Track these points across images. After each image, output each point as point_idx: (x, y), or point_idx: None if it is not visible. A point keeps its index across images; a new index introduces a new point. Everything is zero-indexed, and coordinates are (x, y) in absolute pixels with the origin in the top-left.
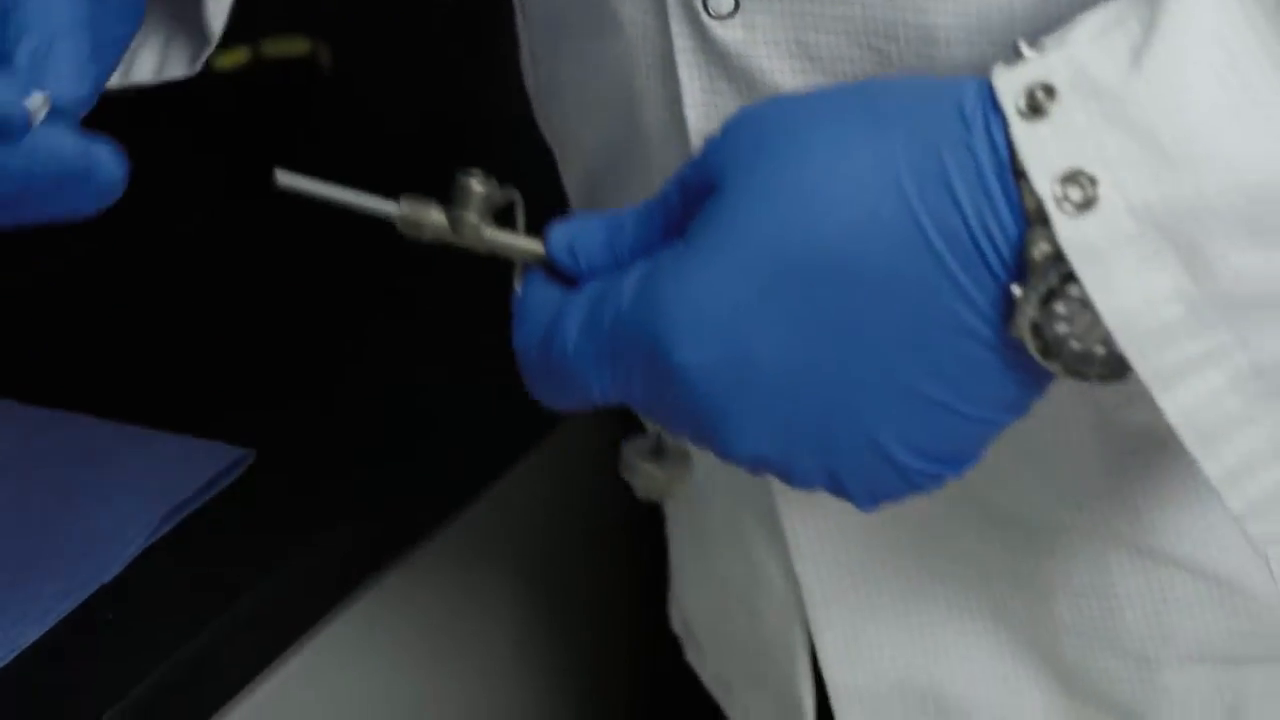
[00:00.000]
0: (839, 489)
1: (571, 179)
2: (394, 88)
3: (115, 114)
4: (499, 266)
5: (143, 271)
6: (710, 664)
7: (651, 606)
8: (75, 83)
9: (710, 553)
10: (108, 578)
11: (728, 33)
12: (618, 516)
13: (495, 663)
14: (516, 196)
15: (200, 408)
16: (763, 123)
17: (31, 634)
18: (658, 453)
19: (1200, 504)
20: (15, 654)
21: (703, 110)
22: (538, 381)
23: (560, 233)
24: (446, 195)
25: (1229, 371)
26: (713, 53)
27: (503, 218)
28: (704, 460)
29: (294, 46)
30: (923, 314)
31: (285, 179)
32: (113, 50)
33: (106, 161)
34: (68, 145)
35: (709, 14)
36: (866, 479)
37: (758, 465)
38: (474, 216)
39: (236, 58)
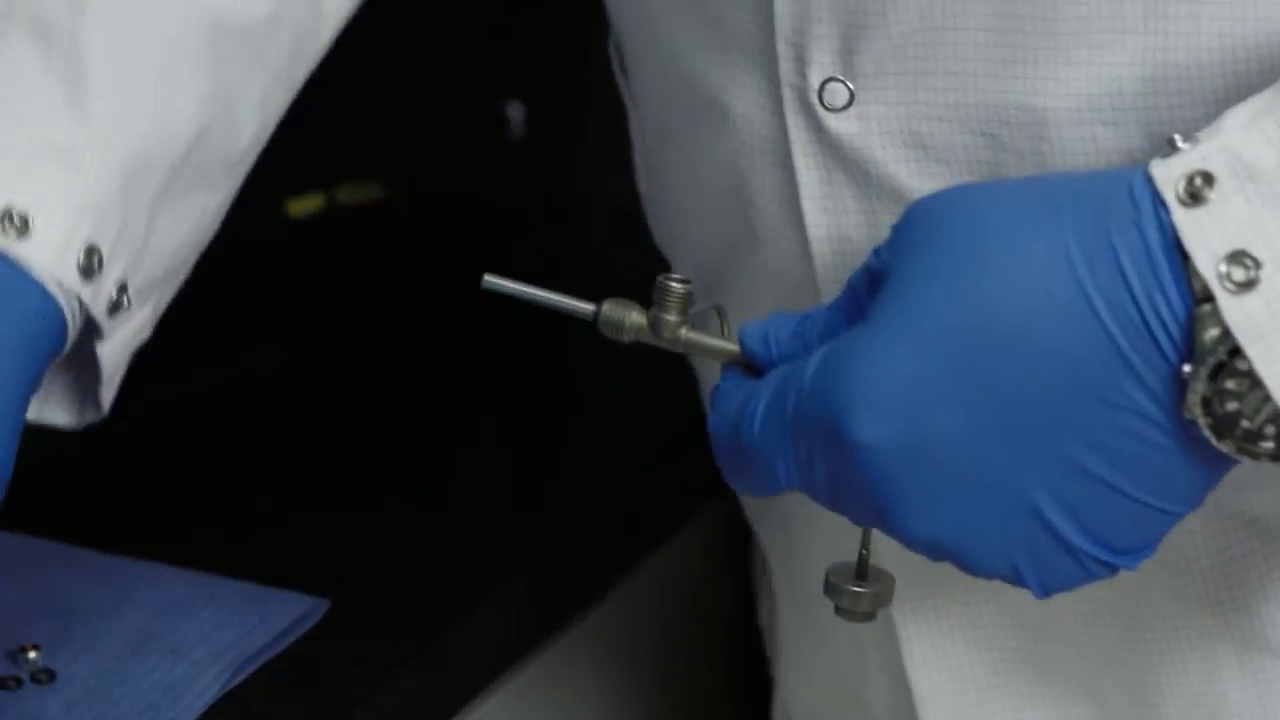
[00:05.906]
0: (1016, 576)
1: None
2: (468, 227)
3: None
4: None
5: (216, 416)
6: None
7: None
8: None
9: (820, 642)
10: None
11: (843, 125)
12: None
13: None
14: (720, 308)
15: (275, 554)
16: (938, 207)
17: None
18: (860, 574)
19: None
20: None
21: (820, 202)
22: (728, 465)
23: (755, 326)
24: (646, 300)
25: None
26: (827, 144)
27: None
28: (821, 546)
29: (368, 192)
30: (1094, 393)
31: (491, 282)
32: None
33: None
34: None
35: (824, 107)
36: (1041, 564)
37: (936, 551)
38: (674, 317)
39: (311, 205)
